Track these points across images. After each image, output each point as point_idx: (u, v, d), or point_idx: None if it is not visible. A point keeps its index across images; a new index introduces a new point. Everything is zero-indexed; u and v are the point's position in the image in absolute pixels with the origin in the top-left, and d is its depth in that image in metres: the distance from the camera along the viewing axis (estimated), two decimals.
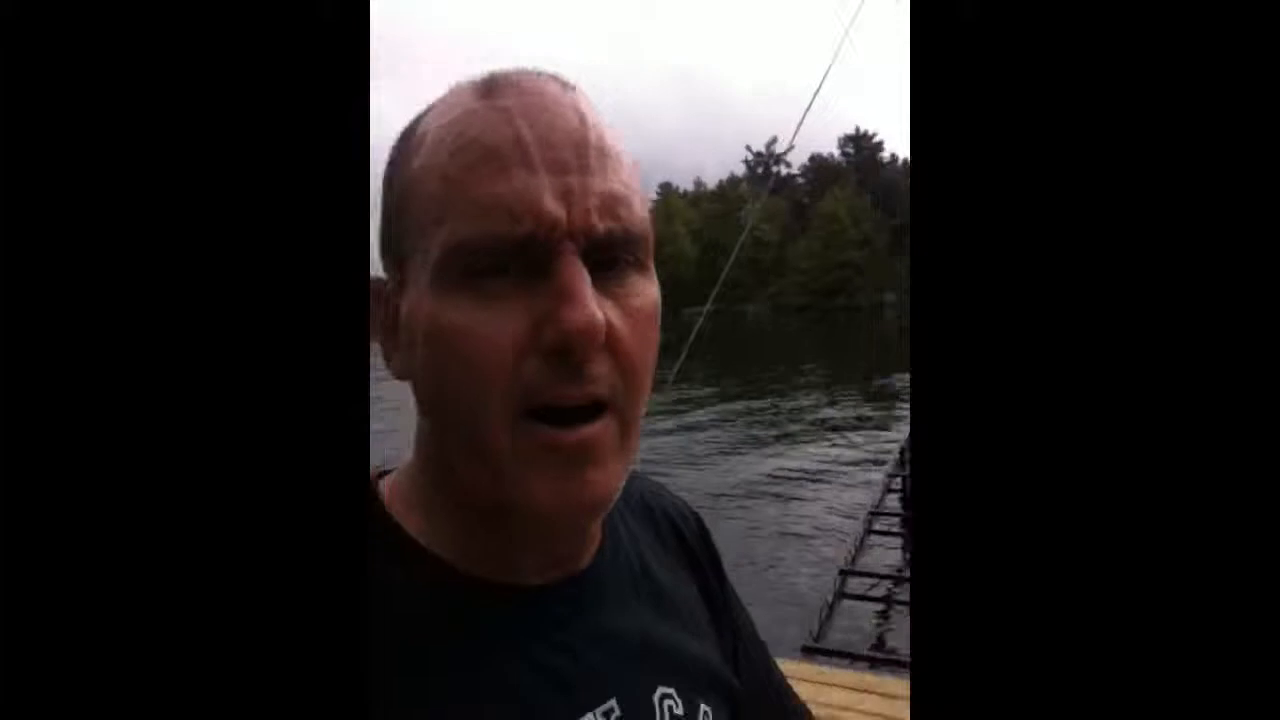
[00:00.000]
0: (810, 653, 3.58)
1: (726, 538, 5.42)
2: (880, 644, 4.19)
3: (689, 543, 0.50)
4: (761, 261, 55.83)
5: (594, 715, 0.38)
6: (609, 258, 0.35)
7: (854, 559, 4.96)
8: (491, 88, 0.35)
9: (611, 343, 0.34)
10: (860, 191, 59.19)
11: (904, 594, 4.56)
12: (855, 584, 4.61)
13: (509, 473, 0.34)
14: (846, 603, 4.42)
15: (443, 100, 0.37)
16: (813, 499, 7.49)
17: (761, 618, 0.54)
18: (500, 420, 0.34)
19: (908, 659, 3.38)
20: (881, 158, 64.68)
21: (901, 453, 7.29)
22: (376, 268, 0.39)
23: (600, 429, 0.35)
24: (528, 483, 0.34)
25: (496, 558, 0.38)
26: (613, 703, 0.39)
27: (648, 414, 0.38)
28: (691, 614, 0.47)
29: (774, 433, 10.62)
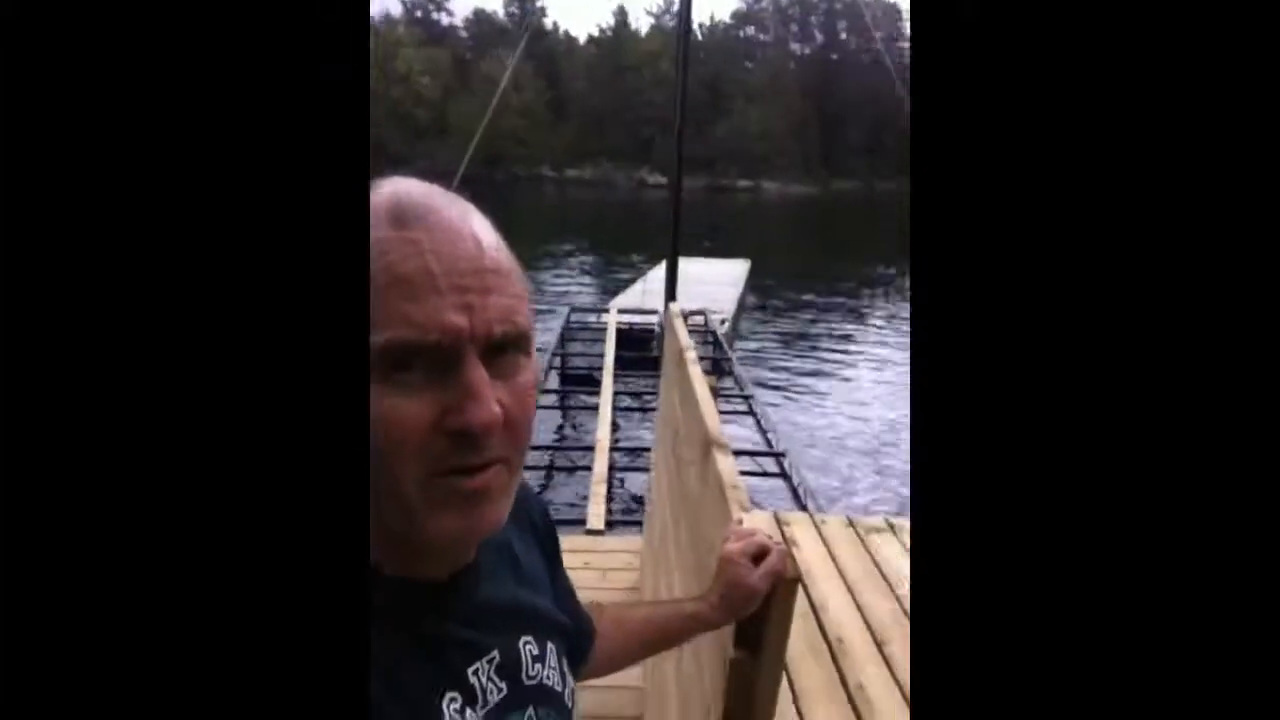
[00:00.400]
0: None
1: None
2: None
3: (536, 523, 0.66)
4: (418, 119, 51.97)
5: (482, 663, 0.51)
6: (500, 348, 0.44)
7: None
8: (401, 218, 0.42)
9: (503, 418, 0.43)
10: (525, 55, 57.78)
11: (568, 460, 5.11)
12: None
13: (420, 516, 0.44)
14: None
15: None
16: None
17: None
18: (413, 482, 0.43)
19: (570, 518, 3.93)
20: (545, 24, 63.57)
21: (562, 332, 8.00)
22: None
23: (493, 475, 0.45)
24: (436, 520, 0.44)
25: (410, 564, 0.48)
26: (495, 653, 0.52)
27: None
28: (539, 578, 0.63)
29: None
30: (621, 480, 4.76)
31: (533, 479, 4.90)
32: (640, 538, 2.70)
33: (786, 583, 0.77)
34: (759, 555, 0.76)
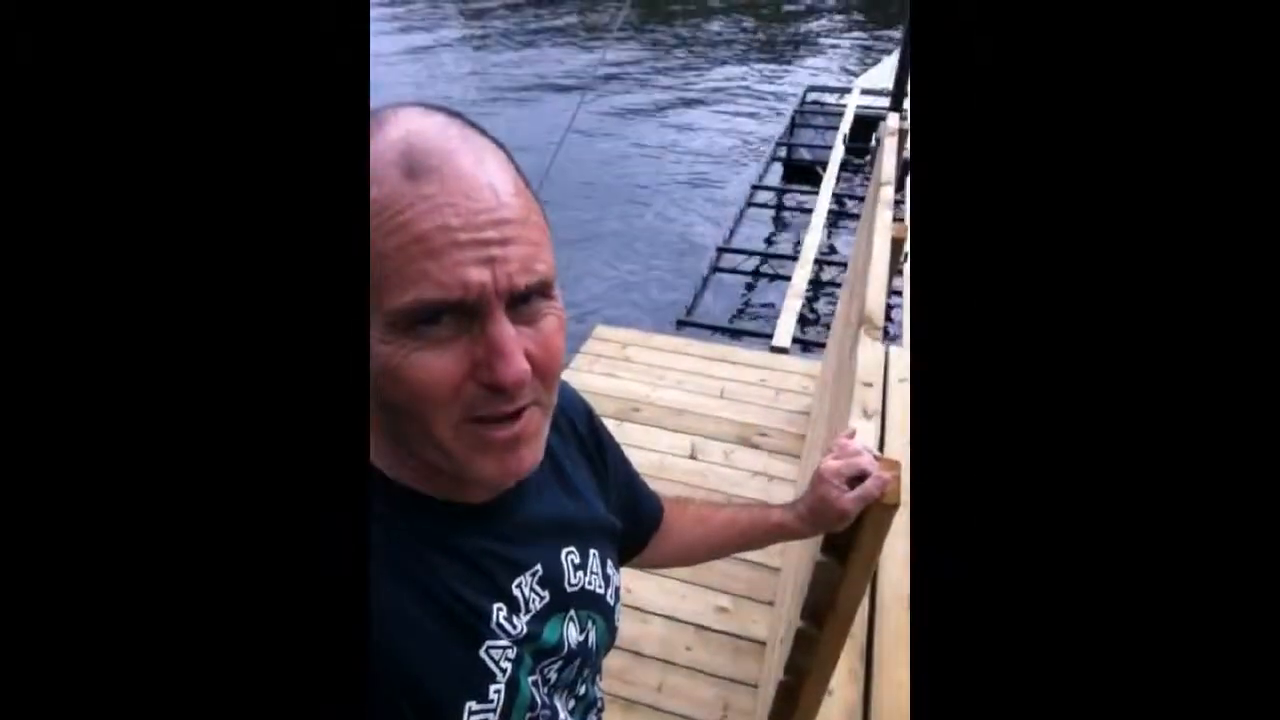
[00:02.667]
0: (682, 325, 4.00)
1: None
2: (740, 314, 4.69)
3: (580, 431, 0.66)
4: None
5: (525, 576, 0.54)
6: (525, 298, 0.43)
7: (731, 235, 5.24)
8: (415, 170, 0.40)
9: (532, 366, 0.44)
10: None
11: (770, 268, 4.98)
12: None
13: (459, 459, 0.45)
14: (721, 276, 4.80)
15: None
16: None
17: None
18: (447, 428, 0.44)
19: (759, 331, 3.92)
20: None
21: (793, 117, 7.23)
22: None
23: (527, 420, 0.46)
24: (475, 464, 0.46)
25: (451, 489, 0.51)
26: (538, 566, 0.55)
27: None
28: (584, 484, 0.64)
29: None
30: (825, 296, 4.62)
31: (734, 283, 4.90)
32: (821, 362, 2.65)
33: (882, 507, 0.72)
34: (857, 478, 0.72)
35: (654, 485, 0.77)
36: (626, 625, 1.95)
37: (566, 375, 2.83)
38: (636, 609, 1.90)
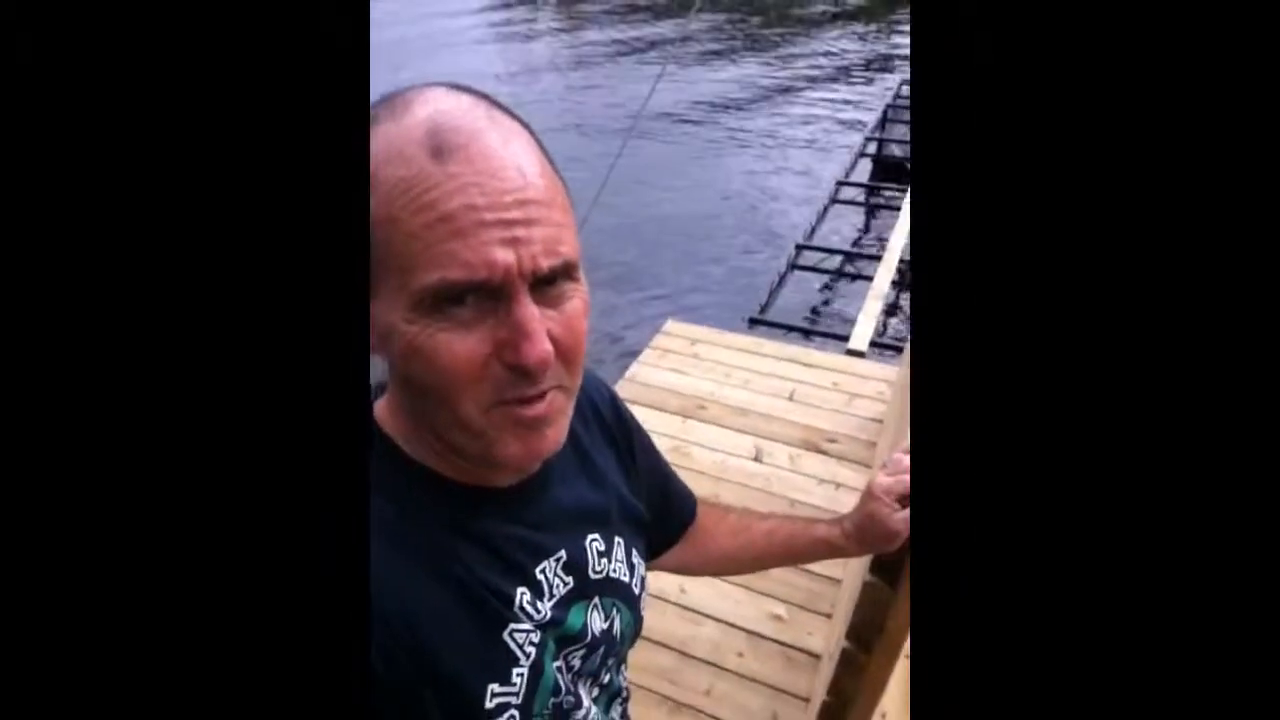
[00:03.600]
0: (755, 323, 3.93)
1: None
2: (817, 314, 4.55)
3: (605, 416, 0.65)
4: None
5: (549, 562, 0.54)
6: (549, 280, 0.43)
7: (813, 232, 5.10)
8: (441, 149, 0.40)
9: (555, 348, 0.43)
10: None
11: (855, 268, 4.81)
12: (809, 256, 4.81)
13: (486, 439, 0.45)
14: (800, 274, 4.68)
15: (387, 142, 0.41)
16: None
17: None
18: (474, 409, 0.44)
19: (836, 333, 3.78)
20: None
21: (885, 112, 6.97)
22: None
23: (550, 401, 0.45)
24: (500, 445, 0.45)
25: (477, 473, 0.50)
26: (562, 552, 0.55)
27: None
28: (610, 472, 0.63)
29: None
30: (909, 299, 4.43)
31: (815, 280, 4.77)
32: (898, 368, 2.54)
33: None
34: (909, 498, 0.67)
35: (715, 487, 0.74)
36: (678, 625, 1.92)
37: (634, 368, 2.84)
38: (690, 610, 1.87)
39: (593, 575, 0.57)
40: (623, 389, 2.72)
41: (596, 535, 0.58)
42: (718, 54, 10.15)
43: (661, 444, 0.71)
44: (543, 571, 0.53)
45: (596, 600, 0.57)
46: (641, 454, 0.68)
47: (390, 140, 0.41)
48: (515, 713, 0.49)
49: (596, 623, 0.57)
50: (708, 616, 1.86)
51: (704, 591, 1.90)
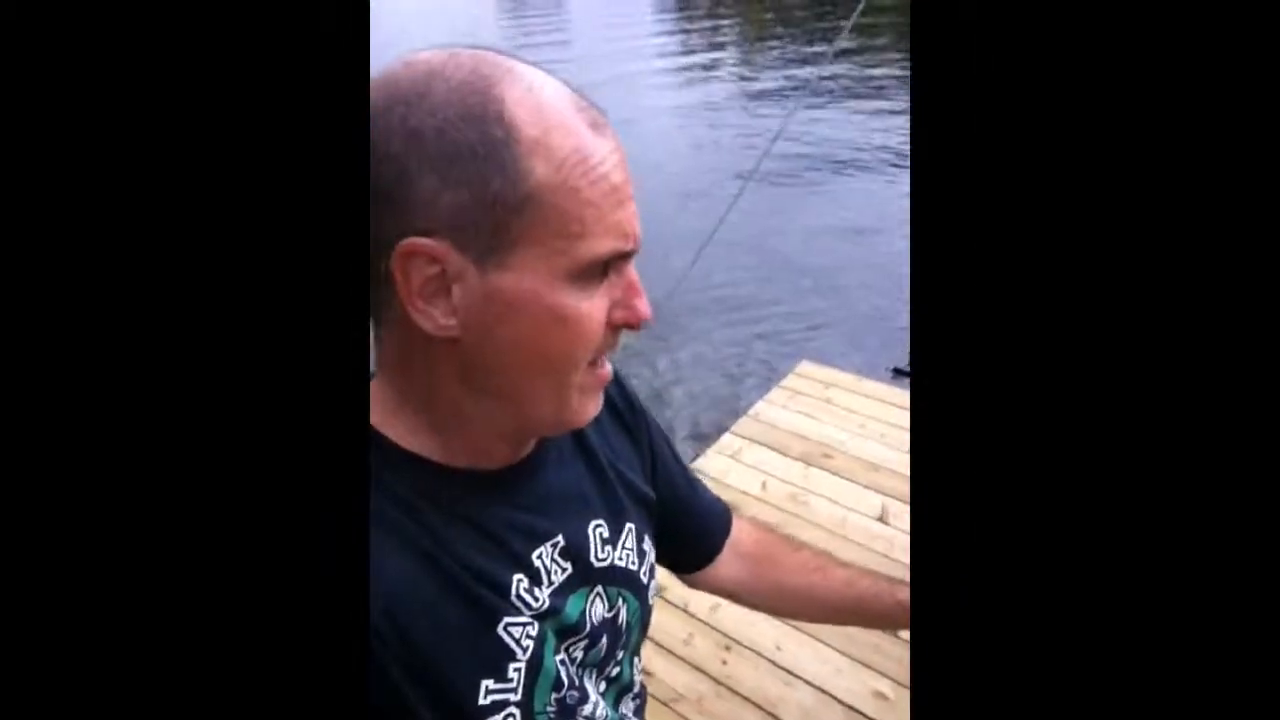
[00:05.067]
0: (899, 374, 3.69)
1: None
2: None
3: (616, 403, 0.64)
4: None
5: (545, 547, 0.52)
6: None
7: None
8: (596, 122, 0.43)
9: None
10: None
11: None
12: None
13: (573, 402, 0.47)
14: None
15: (538, 109, 0.41)
16: None
17: None
18: (580, 373, 0.46)
19: None
20: None
21: None
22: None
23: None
24: (584, 406, 0.48)
25: (470, 455, 0.49)
26: (559, 537, 0.53)
27: None
28: (620, 457, 0.62)
29: None
30: None
31: None
32: None
33: None
34: None
35: (830, 543, 0.68)
36: (770, 683, 1.79)
37: (759, 406, 2.74)
38: (783, 669, 1.74)
39: (596, 562, 0.55)
40: (744, 426, 2.63)
41: (602, 521, 0.57)
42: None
43: (778, 491, 0.65)
44: (539, 557, 0.51)
45: (600, 589, 0.56)
46: (653, 433, 0.67)
47: (541, 107, 0.41)
48: (515, 710, 0.47)
49: (598, 612, 0.55)
50: (802, 680, 1.72)
51: (801, 652, 1.76)
